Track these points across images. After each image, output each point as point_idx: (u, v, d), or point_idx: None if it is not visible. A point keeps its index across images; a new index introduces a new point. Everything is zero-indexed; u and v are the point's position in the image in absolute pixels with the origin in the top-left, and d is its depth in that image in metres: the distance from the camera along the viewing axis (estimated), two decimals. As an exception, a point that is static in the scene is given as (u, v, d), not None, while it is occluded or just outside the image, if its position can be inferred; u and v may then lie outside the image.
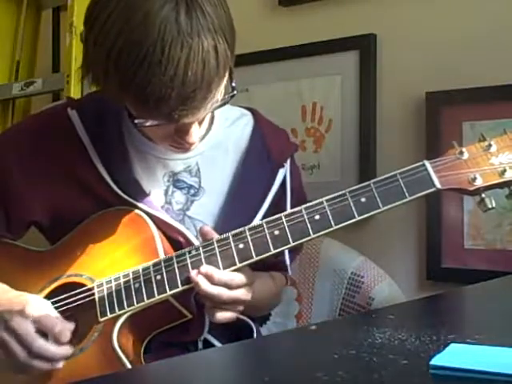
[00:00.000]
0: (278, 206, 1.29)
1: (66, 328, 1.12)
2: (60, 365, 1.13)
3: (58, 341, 1.11)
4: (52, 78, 2.39)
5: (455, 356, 0.75)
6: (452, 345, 0.80)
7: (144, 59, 1.01)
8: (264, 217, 1.23)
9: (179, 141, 1.14)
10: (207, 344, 1.25)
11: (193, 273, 1.11)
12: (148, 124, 1.10)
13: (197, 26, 1.02)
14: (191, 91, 1.03)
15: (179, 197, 1.27)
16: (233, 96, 1.13)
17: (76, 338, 1.17)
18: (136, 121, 1.10)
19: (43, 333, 1.12)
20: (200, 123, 1.14)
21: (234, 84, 1.12)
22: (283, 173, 1.33)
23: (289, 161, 1.35)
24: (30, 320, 1.11)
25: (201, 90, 1.04)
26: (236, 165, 1.30)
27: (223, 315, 1.14)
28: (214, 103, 1.10)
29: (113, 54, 1.03)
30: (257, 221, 1.23)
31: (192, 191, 1.27)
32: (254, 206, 1.27)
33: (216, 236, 1.14)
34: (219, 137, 1.31)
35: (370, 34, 2.01)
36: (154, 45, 1.00)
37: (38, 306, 1.15)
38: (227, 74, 1.09)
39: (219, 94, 1.09)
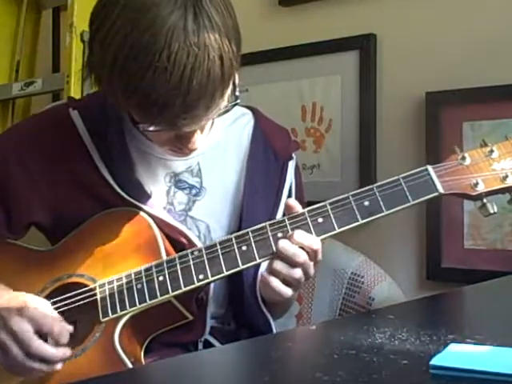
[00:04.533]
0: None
1: (64, 329, 1.12)
2: (58, 367, 1.12)
3: (56, 342, 1.11)
4: (52, 78, 2.38)
5: (455, 356, 0.75)
6: (452, 345, 0.80)
7: (150, 65, 1.00)
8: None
9: (179, 146, 1.15)
10: (207, 345, 1.25)
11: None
12: (151, 129, 1.10)
13: (204, 34, 1.01)
14: (195, 99, 1.03)
15: (181, 197, 1.27)
16: (235, 105, 1.13)
17: (77, 339, 1.17)
18: (137, 125, 1.10)
19: (42, 335, 1.12)
20: (202, 130, 1.14)
21: (237, 93, 1.12)
22: (293, 164, 1.34)
23: (295, 156, 1.36)
24: (27, 320, 1.11)
25: (204, 98, 1.04)
26: (239, 165, 1.31)
27: (285, 289, 1.12)
28: (217, 111, 1.09)
29: (119, 56, 1.02)
30: (279, 216, 1.25)
31: (194, 191, 1.28)
32: (271, 204, 1.28)
33: (300, 209, 1.13)
34: (219, 137, 1.31)
35: (369, 33, 2.02)
36: (160, 51, 1.00)
37: (36, 306, 1.14)
38: (231, 83, 1.09)
39: (222, 102, 1.09)
